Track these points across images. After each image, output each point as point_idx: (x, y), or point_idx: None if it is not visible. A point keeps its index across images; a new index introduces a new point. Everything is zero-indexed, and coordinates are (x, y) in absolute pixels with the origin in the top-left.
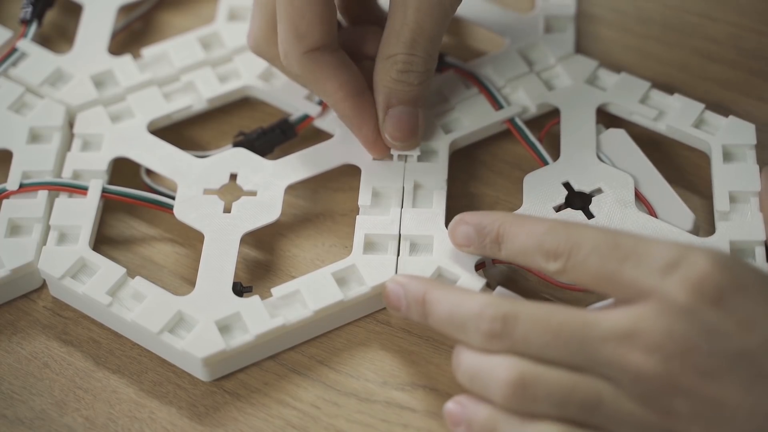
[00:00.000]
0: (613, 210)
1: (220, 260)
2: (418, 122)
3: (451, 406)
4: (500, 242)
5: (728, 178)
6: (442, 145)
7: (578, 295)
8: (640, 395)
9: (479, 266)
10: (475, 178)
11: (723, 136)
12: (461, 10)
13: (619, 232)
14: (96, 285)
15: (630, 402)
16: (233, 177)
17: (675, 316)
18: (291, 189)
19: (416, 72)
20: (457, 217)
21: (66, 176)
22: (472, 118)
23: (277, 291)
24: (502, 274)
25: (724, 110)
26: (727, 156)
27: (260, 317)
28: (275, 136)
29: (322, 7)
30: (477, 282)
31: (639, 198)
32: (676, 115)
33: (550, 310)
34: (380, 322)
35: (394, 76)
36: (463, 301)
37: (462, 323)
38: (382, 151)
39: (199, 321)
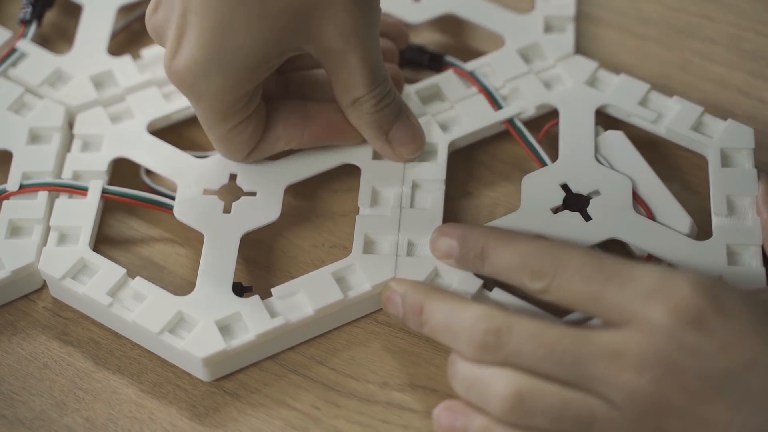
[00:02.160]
0: (611, 212)
1: (220, 260)
2: (414, 124)
3: (442, 413)
4: (484, 258)
5: (726, 182)
6: (440, 145)
7: None
8: (633, 414)
9: None
10: (474, 179)
11: (721, 140)
12: (461, 10)
13: (603, 255)
14: (96, 285)
15: (623, 420)
16: (233, 177)
17: (659, 337)
18: (291, 189)
19: (385, 95)
20: (438, 229)
21: (66, 177)
22: (471, 119)
23: (277, 291)
24: None
25: (723, 112)
26: (725, 159)
27: (260, 317)
28: None
29: (250, 130)
30: (474, 282)
31: (637, 200)
32: (675, 118)
33: (544, 325)
34: (380, 322)
35: (370, 111)
36: (459, 313)
37: (456, 334)
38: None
39: (200, 321)
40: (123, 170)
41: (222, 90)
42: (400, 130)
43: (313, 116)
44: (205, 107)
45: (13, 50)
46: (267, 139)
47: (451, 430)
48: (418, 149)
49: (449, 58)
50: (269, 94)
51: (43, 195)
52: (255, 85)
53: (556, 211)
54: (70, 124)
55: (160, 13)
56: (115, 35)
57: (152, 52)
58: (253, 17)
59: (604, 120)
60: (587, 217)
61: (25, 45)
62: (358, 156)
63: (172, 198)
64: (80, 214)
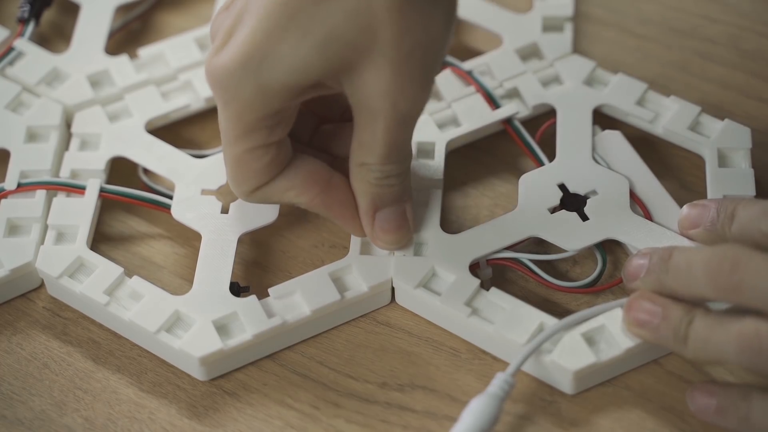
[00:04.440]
0: (608, 212)
1: (217, 260)
2: (407, 218)
3: (697, 398)
4: (734, 216)
5: (723, 182)
6: (438, 144)
7: (575, 296)
8: None
9: (473, 266)
10: (472, 178)
11: (718, 140)
12: (459, 10)
13: None
14: (93, 284)
15: None
16: None
17: None
18: None
19: (394, 176)
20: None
21: (64, 176)
22: (468, 118)
23: (275, 291)
24: (498, 274)
25: (722, 111)
26: (723, 160)
27: (257, 317)
28: None
29: (267, 160)
30: (471, 282)
31: (634, 200)
32: (672, 118)
33: None
34: (380, 322)
35: (372, 182)
36: (703, 248)
37: (695, 265)
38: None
39: (197, 320)
40: (121, 169)
41: (252, 99)
42: (389, 215)
43: (335, 187)
44: (231, 115)
45: (10, 49)
46: (279, 184)
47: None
48: (397, 243)
49: (447, 58)
50: (300, 139)
51: (41, 194)
52: (285, 105)
53: (553, 210)
54: (68, 123)
55: (227, 12)
56: (112, 34)
57: (149, 52)
58: (304, 34)
59: (602, 119)
60: (584, 217)
61: (22, 44)
62: None
63: (170, 197)
64: (78, 213)
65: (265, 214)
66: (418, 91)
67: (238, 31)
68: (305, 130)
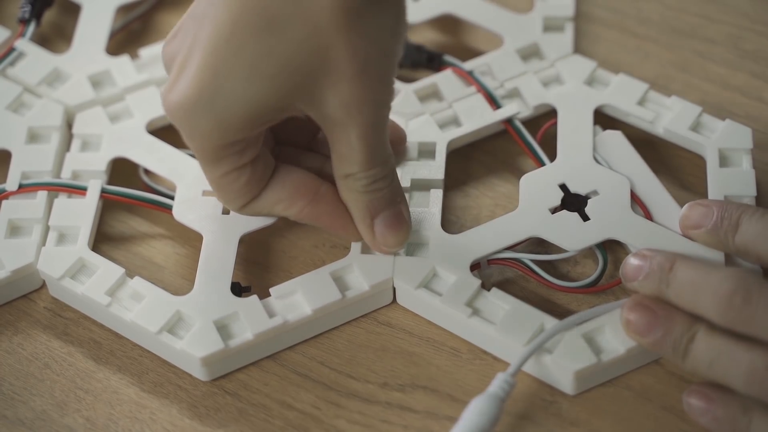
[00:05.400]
0: (609, 212)
1: (218, 260)
2: (405, 219)
3: (694, 402)
4: (738, 226)
5: (724, 182)
6: (439, 144)
7: (576, 296)
8: None
9: (474, 267)
10: (473, 178)
11: (719, 140)
12: (460, 10)
13: None
14: (95, 285)
15: None
16: None
17: None
18: None
19: (381, 179)
20: (691, 203)
21: (65, 176)
22: (469, 118)
23: (276, 291)
24: (499, 274)
25: (723, 112)
26: (723, 160)
27: (259, 317)
28: None
29: (244, 180)
30: (472, 282)
31: (635, 200)
32: (673, 118)
33: None
34: (381, 323)
35: (360, 190)
36: (710, 271)
37: (702, 291)
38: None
39: (198, 321)
40: (122, 170)
41: (210, 133)
42: (387, 219)
43: (323, 197)
44: (195, 146)
45: (11, 49)
46: (267, 198)
47: (704, 413)
48: (398, 245)
49: (448, 58)
50: (299, 144)
51: (42, 195)
52: (247, 136)
53: (554, 210)
54: (69, 124)
55: (176, 41)
56: (113, 35)
57: (150, 52)
58: (252, 69)
59: (603, 120)
60: (585, 217)
61: (23, 44)
62: None
63: (172, 198)
64: (79, 214)
65: None
66: (380, 95)
67: (188, 65)
68: (303, 136)
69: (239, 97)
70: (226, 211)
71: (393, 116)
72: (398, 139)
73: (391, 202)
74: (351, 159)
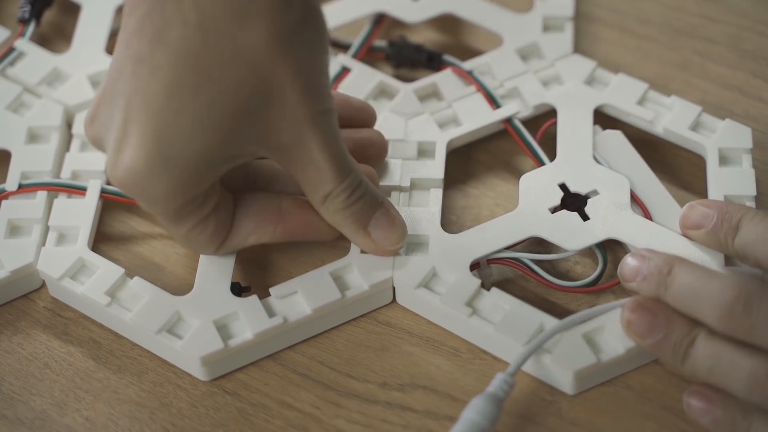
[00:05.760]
0: (609, 212)
1: (218, 260)
2: (393, 214)
3: (694, 403)
4: (738, 229)
5: (724, 182)
6: (439, 144)
7: (576, 296)
8: None
9: (474, 266)
10: (472, 178)
11: (719, 140)
12: (459, 10)
13: None
14: (95, 285)
15: None
16: None
17: None
18: None
19: (356, 187)
20: (692, 202)
21: (65, 177)
22: (469, 118)
23: (276, 290)
24: (499, 274)
25: (723, 111)
26: (723, 159)
27: (258, 317)
28: None
29: (211, 228)
30: (472, 282)
31: (634, 200)
32: (673, 118)
33: None
34: (380, 322)
35: (342, 206)
36: (709, 277)
37: (701, 298)
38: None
39: (198, 321)
40: None
41: (168, 196)
42: (379, 223)
43: (288, 212)
44: (158, 212)
45: (11, 49)
46: (237, 234)
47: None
48: (400, 240)
49: (447, 57)
50: (236, 185)
51: (41, 195)
52: (203, 189)
53: (554, 210)
54: (69, 124)
55: (98, 122)
56: (113, 35)
57: None
58: (196, 125)
59: (603, 119)
60: (585, 217)
61: (23, 44)
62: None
63: None
64: (79, 214)
65: None
66: (326, 105)
67: (128, 139)
68: (236, 181)
69: (190, 155)
70: None
71: (393, 115)
72: (380, 152)
73: (375, 205)
74: (322, 178)
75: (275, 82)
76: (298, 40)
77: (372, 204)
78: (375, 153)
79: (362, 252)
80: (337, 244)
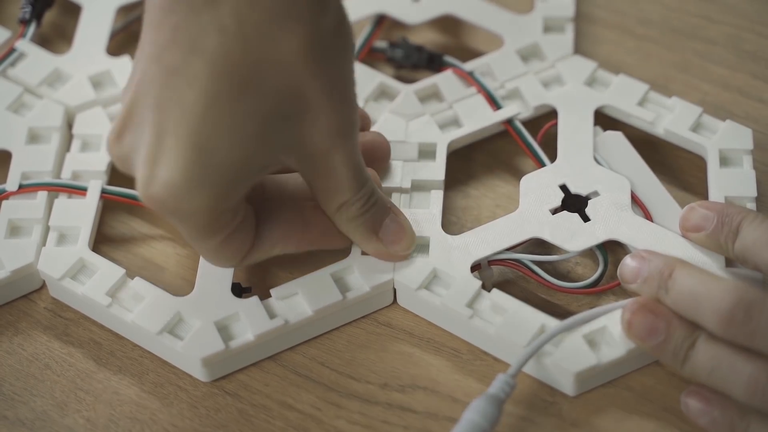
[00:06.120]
0: (609, 213)
1: None
2: (402, 220)
3: (692, 403)
4: (738, 232)
5: (724, 183)
6: (439, 145)
7: (577, 297)
8: None
9: (474, 268)
10: (473, 179)
11: (720, 141)
12: (460, 11)
13: None
14: (95, 286)
15: None
16: None
17: None
18: None
19: (369, 195)
20: (693, 204)
21: (65, 177)
22: (469, 119)
23: (276, 292)
24: (499, 275)
25: (723, 112)
26: (724, 160)
27: (259, 318)
28: None
29: (241, 238)
30: (473, 283)
31: (635, 201)
32: (674, 119)
33: None
34: (381, 323)
35: (357, 214)
36: (710, 282)
37: (702, 303)
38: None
39: (199, 322)
40: None
41: (206, 209)
42: (389, 229)
43: (311, 221)
44: (191, 227)
45: (12, 50)
46: (262, 245)
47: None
48: (411, 245)
49: (448, 58)
50: (251, 196)
51: (42, 195)
52: (237, 200)
53: (554, 211)
54: (70, 124)
55: (127, 139)
56: (114, 35)
57: None
58: (235, 134)
59: (603, 120)
60: (585, 218)
61: (24, 45)
62: None
63: None
64: (79, 215)
65: None
66: (353, 117)
67: (165, 152)
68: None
69: (229, 165)
70: None
71: (394, 116)
72: (383, 156)
73: (385, 212)
74: (341, 188)
75: (308, 92)
76: (333, 46)
77: (382, 211)
78: (380, 156)
79: (363, 254)
80: None
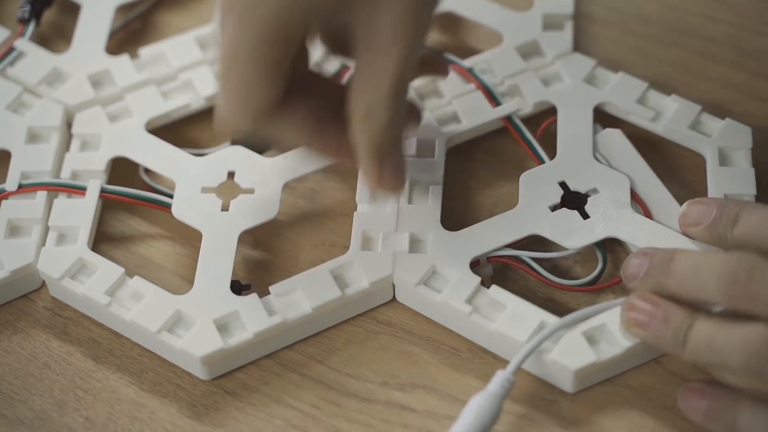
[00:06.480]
0: (609, 210)
1: (218, 259)
2: (405, 162)
3: (687, 397)
4: (737, 220)
5: (723, 181)
6: (439, 141)
7: (576, 295)
8: None
9: (474, 264)
10: (472, 176)
11: (719, 139)
12: (459, 8)
13: None
14: (95, 285)
15: None
16: (231, 175)
17: None
18: (291, 189)
19: (398, 124)
20: (691, 200)
21: (64, 176)
22: (469, 115)
23: (275, 289)
24: (499, 272)
25: (723, 111)
26: (723, 159)
27: (258, 315)
28: None
29: (277, 78)
30: (472, 279)
31: (634, 199)
32: (673, 117)
33: None
34: (380, 322)
35: (377, 131)
36: (711, 256)
37: (704, 272)
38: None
39: (198, 320)
40: (122, 169)
41: (276, 13)
42: (393, 161)
43: (325, 126)
44: (250, 30)
45: (11, 49)
46: (282, 115)
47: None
48: (402, 185)
49: (448, 55)
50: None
51: (41, 195)
52: (300, 32)
53: (554, 208)
54: (69, 124)
55: None
56: (113, 34)
57: (150, 52)
58: None
59: (603, 118)
60: (585, 215)
61: (23, 44)
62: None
63: (171, 196)
64: (79, 214)
65: (266, 210)
66: (426, 24)
67: None
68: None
69: None
70: (225, 208)
71: None
72: (415, 117)
73: (399, 146)
74: (379, 86)
75: None
76: None
77: (398, 142)
78: (436, 69)
79: (362, 250)
80: (337, 243)
